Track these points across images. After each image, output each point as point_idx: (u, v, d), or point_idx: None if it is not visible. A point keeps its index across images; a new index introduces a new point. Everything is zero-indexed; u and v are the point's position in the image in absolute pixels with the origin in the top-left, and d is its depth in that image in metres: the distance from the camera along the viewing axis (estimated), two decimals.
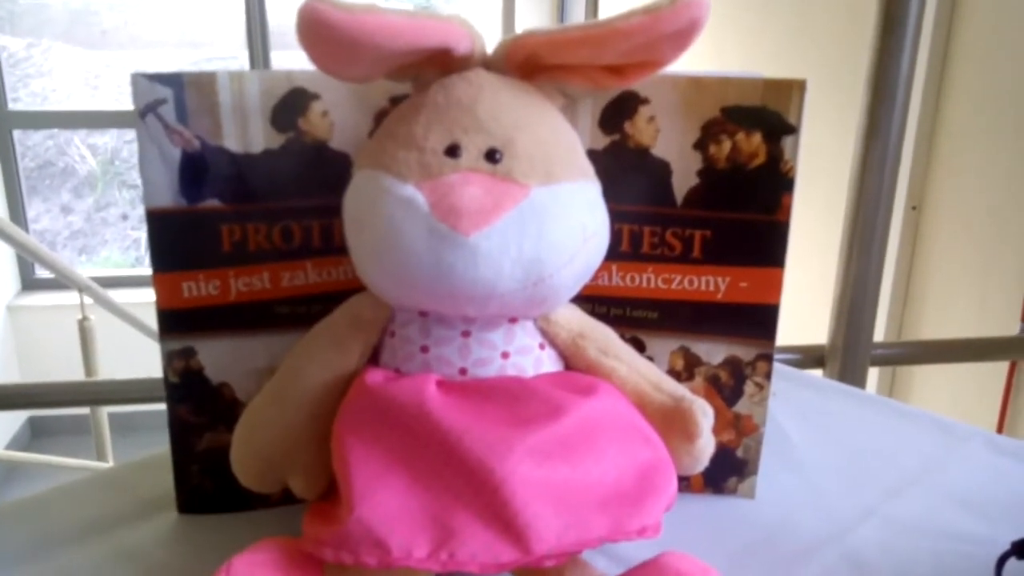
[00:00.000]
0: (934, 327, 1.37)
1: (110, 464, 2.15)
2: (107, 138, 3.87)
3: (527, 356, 0.46)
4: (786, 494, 0.56)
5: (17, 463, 2.46)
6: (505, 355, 0.45)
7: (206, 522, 0.53)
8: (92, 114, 3.43)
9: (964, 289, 1.33)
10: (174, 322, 0.50)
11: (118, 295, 2.08)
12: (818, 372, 1.05)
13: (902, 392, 1.46)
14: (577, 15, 2.97)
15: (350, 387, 0.46)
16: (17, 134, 3.13)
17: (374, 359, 0.47)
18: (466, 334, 0.45)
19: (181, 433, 0.52)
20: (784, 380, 0.53)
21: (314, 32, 0.39)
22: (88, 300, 1.94)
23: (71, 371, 2.08)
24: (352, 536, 0.39)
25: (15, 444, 2.93)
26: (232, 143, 0.49)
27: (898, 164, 0.99)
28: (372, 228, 0.42)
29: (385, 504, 0.40)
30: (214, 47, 4.05)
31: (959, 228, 1.37)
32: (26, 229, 3.17)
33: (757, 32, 1.87)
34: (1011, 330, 1.18)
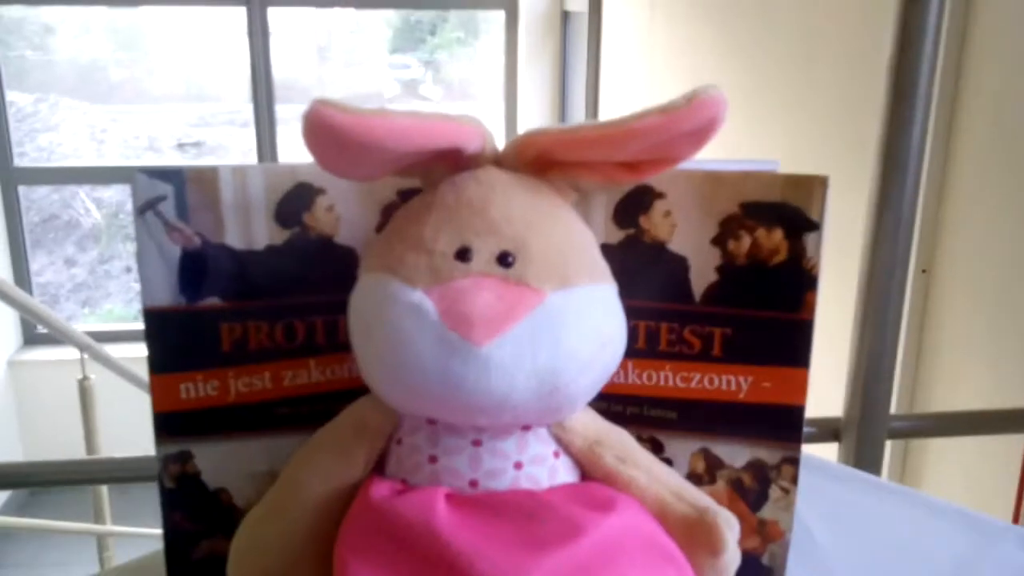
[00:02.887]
0: (946, 395, 1.34)
1: (108, 526, 2.12)
2: (112, 192, 3.89)
3: (541, 466, 0.43)
4: None
5: (15, 529, 2.43)
6: (518, 465, 0.43)
7: None
8: (96, 170, 3.45)
9: (976, 355, 1.30)
10: (171, 425, 0.48)
11: (121, 349, 2.06)
12: (834, 446, 1.02)
13: (915, 463, 1.43)
14: (577, 111, 3.02)
15: (353, 499, 0.43)
16: (22, 188, 3.15)
17: (379, 468, 0.45)
18: (477, 443, 0.42)
19: (177, 541, 0.50)
20: (805, 470, 0.50)
21: (321, 136, 0.38)
22: (89, 356, 1.92)
23: (70, 427, 2.06)
24: None
25: (13, 501, 2.89)
26: (234, 239, 0.47)
27: (911, 233, 0.98)
28: (379, 335, 0.40)
29: None
30: (220, 101, 4.10)
31: (971, 291, 1.35)
32: (29, 282, 3.18)
33: (761, 110, 1.87)
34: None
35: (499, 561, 0.38)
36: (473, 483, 0.42)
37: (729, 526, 0.44)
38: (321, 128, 0.37)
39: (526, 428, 0.43)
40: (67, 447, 1.90)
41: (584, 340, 0.40)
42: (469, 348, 0.38)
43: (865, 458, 1.00)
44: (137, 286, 0.48)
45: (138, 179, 0.46)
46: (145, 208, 0.46)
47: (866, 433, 0.99)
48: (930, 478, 1.35)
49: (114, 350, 2.06)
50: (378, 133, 0.38)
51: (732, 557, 0.44)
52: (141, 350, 0.48)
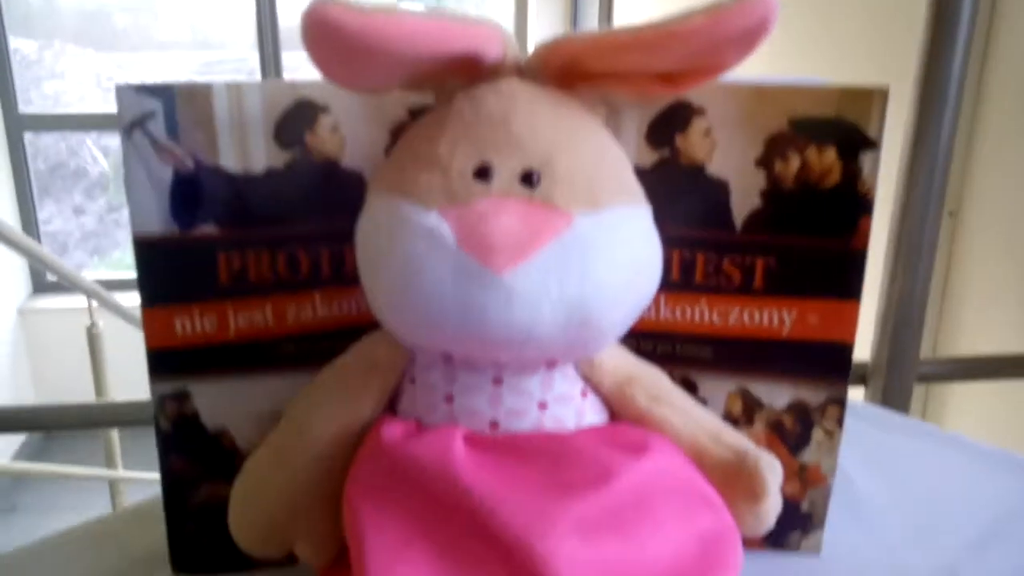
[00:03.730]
0: (971, 340, 1.31)
1: (119, 472, 2.12)
2: (118, 140, 3.84)
3: (567, 406, 0.40)
4: (854, 550, 0.49)
5: (29, 475, 2.44)
6: (542, 405, 0.39)
7: None
8: (103, 116, 3.39)
9: (1003, 299, 1.26)
10: (166, 363, 0.45)
11: (130, 297, 2.04)
12: (859, 390, 0.99)
13: (936, 406, 1.40)
14: (591, 14, 2.90)
15: (363, 442, 0.40)
16: (28, 136, 3.11)
17: (391, 407, 0.41)
18: (497, 381, 0.39)
19: (175, 486, 0.46)
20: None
21: (322, 37, 0.33)
22: (97, 304, 1.90)
23: (81, 374, 2.04)
24: None
25: (28, 446, 2.91)
26: (230, 161, 0.43)
27: (947, 174, 0.93)
28: (390, 263, 0.36)
29: None
30: (226, 49, 4.03)
31: (998, 234, 1.31)
32: (37, 230, 3.15)
33: (801, 33, 1.80)
34: None
35: (523, 508, 0.35)
36: (493, 424, 0.39)
37: (771, 470, 0.40)
38: (323, 28, 0.33)
39: (551, 365, 0.39)
40: (77, 394, 1.89)
41: (616, 268, 0.36)
42: (490, 276, 0.34)
43: (892, 402, 0.97)
44: None
45: (123, 94, 0.41)
46: (132, 127, 0.42)
47: (894, 377, 0.95)
48: (952, 424, 1.32)
49: (123, 298, 2.04)
50: (387, 34, 0.34)
51: (774, 503, 0.41)
52: None
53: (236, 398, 0.46)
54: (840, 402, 0.46)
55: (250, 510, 0.42)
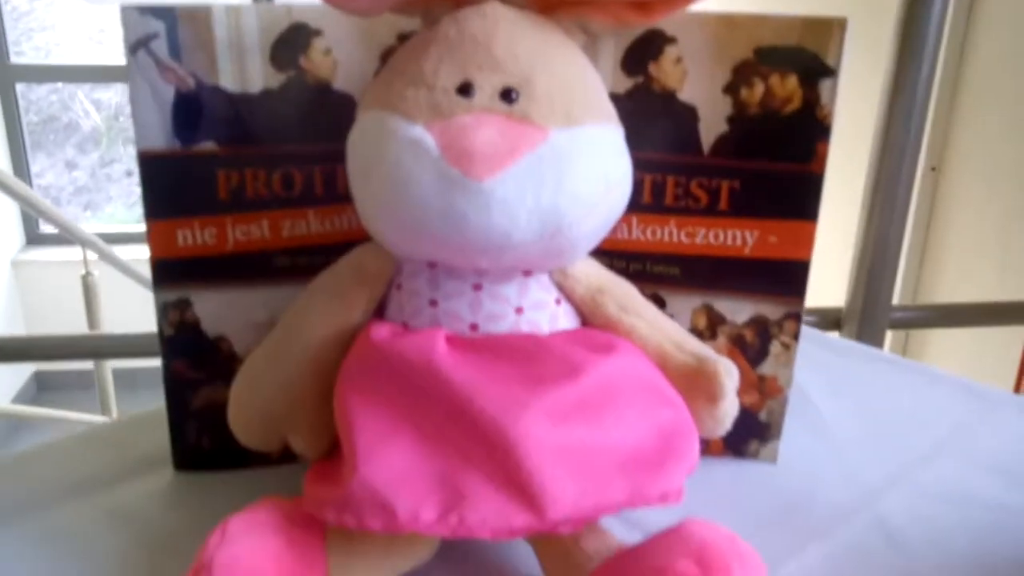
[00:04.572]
0: (951, 291, 1.34)
1: (114, 418, 2.15)
2: (111, 93, 3.81)
3: (542, 312, 0.43)
4: (809, 459, 0.53)
5: (22, 417, 2.47)
6: (519, 310, 0.42)
7: (203, 480, 0.50)
8: (96, 68, 3.38)
9: (983, 253, 1.30)
10: (169, 272, 0.48)
11: (122, 251, 2.05)
12: (834, 335, 1.02)
13: (915, 356, 1.44)
14: None
15: (354, 343, 0.43)
16: (20, 88, 3.09)
17: (379, 314, 0.44)
18: (477, 287, 0.42)
19: (177, 389, 0.50)
20: (804, 341, 0.50)
21: None
22: (92, 255, 1.92)
23: (75, 326, 2.07)
24: (356, 498, 0.37)
25: (20, 399, 2.94)
26: (228, 82, 0.46)
27: (924, 121, 0.96)
28: (377, 173, 0.39)
29: (391, 465, 0.37)
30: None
31: (979, 190, 1.34)
32: (30, 183, 3.15)
33: None
34: None
35: (498, 396, 0.38)
36: (473, 327, 0.42)
37: (728, 373, 0.44)
38: None
39: (528, 273, 0.42)
40: None
41: (589, 181, 0.39)
42: (470, 184, 0.37)
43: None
44: (139, 190, 0.47)
45: (128, 15, 0.44)
46: (137, 46, 0.45)
47: (867, 322, 0.99)
48: None
49: (116, 252, 2.05)
50: None
51: (730, 405, 0.44)
52: (144, 252, 0.47)
53: (234, 306, 0.49)
54: (797, 317, 0.49)
55: (247, 404, 0.45)
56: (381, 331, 0.42)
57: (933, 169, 1.42)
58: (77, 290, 1.96)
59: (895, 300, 1.04)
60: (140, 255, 0.45)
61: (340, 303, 0.44)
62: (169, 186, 0.47)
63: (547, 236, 0.39)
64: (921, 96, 0.92)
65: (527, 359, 0.40)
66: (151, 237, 0.47)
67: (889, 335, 1.12)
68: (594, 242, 0.42)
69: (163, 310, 0.48)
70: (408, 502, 0.36)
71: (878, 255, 1.00)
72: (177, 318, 0.48)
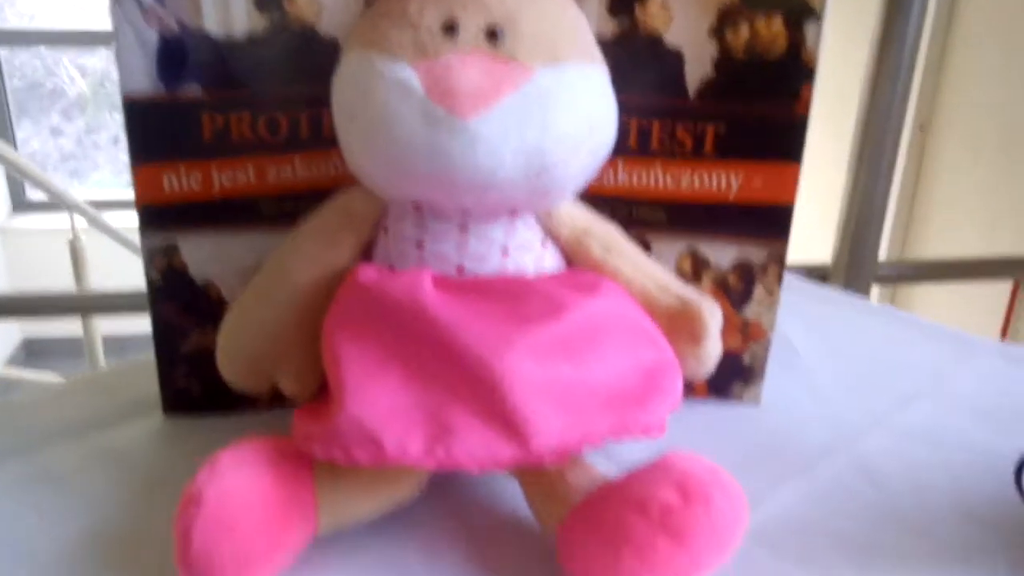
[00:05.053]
0: (939, 246, 1.35)
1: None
2: (96, 59, 3.76)
3: (528, 253, 0.43)
4: (792, 402, 0.54)
5: (11, 382, 2.47)
6: (505, 251, 0.43)
7: (192, 424, 0.51)
8: (80, 33, 3.33)
9: (969, 211, 1.30)
10: (155, 218, 0.48)
11: (110, 218, 2.04)
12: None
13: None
14: None
15: (341, 284, 0.43)
16: (4, 53, 3.05)
17: (366, 257, 0.45)
18: (463, 228, 0.42)
19: (165, 334, 0.50)
20: (789, 291, 0.50)
21: None
22: (80, 224, 1.90)
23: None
24: (343, 432, 0.37)
25: (14, 359, 2.94)
26: (212, 25, 0.45)
27: (912, 76, 0.96)
28: (363, 113, 0.39)
29: (378, 400, 0.38)
30: None
31: (967, 148, 1.34)
32: (16, 149, 3.12)
33: None
34: (1016, 251, 1.16)
35: (483, 334, 0.39)
36: (459, 268, 0.42)
37: (712, 314, 0.44)
38: None
39: (513, 214, 0.43)
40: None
41: (573, 120, 0.39)
42: (455, 121, 0.37)
43: None
44: (126, 157, 0.46)
45: None
46: None
47: (853, 277, 1.00)
48: None
49: (105, 219, 2.03)
50: None
51: (714, 346, 0.45)
52: (131, 219, 0.47)
53: (221, 252, 0.49)
54: (780, 261, 0.50)
55: (236, 344, 0.45)
56: (368, 272, 0.42)
57: (921, 128, 1.42)
58: (65, 257, 1.94)
59: (882, 256, 1.04)
60: (128, 222, 0.46)
61: (327, 246, 0.44)
62: (154, 130, 0.46)
63: (532, 175, 0.39)
64: (909, 52, 0.92)
65: (512, 298, 0.41)
66: (137, 182, 0.47)
67: (876, 292, 1.13)
68: (580, 183, 0.42)
69: (150, 256, 0.48)
70: (395, 435, 0.37)
71: (865, 210, 1.00)
72: (164, 264, 0.49)
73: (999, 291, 1.17)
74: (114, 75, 0.43)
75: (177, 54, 0.46)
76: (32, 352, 3.05)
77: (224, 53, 0.46)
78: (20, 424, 0.51)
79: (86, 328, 1.62)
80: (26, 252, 2.99)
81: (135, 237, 0.48)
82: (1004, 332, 1.15)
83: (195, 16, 0.45)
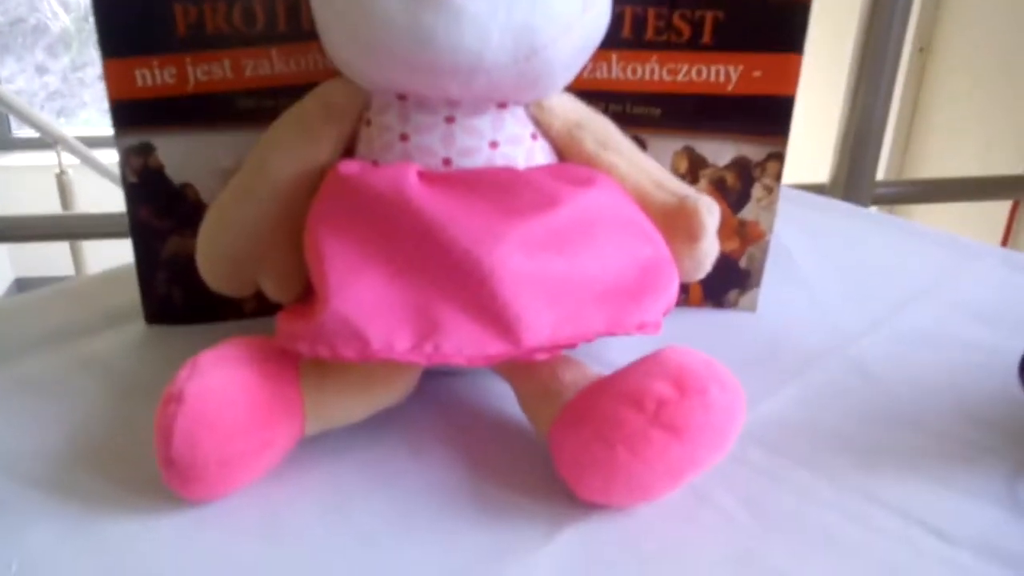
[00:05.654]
0: (936, 169, 1.33)
1: None
2: None
3: (518, 146, 0.41)
4: (789, 308, 0.53)
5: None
6: (493, 144, 0.41)
7: (174, 332, 0.50)
8: None
9: (969, 131, 1.28)
10: (129, 114, 0.46)
11: (98, 155, 2.00)
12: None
13: None
14: None
15: (323, 180, 0.42)
16: None
17: (349, 152, 0.43)
18: (450, 120, 0.40)
19: (144, 238, 0.48)
20: (786, 200, 0.49)
21: None
22: (68, 161, 1.87)
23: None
24: (328, 328, 0.36)
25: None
26: None
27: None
28: None
29: (363, 296, 0.37)
30: None
31: (966, 71, 1.32)
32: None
33: None
34: (1014, 171, 1.14)
35: (472, 227, 0.37)
36: (446, 161, 0.40)
37: (709, 211, 0.43)
38: None
39: (502, 106, 0.41)
40: (51, 253, 1.91)
41: None
42: None
43: None
44: None
45: None
46: None
47: (851, 196, 0.98)
48: None
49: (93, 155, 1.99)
50: None
51: (710, 245, 0.44)
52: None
53: (199, 151, 0.47)
54: (779, 157, 0.48)
55: (216, 244, 0.44)
56: (350, 167, 0.40)
57: (921, 50, 1.39)
58: (53, 195, 1.91)
59: (879, 176, 1.03)
60: (115, 158, 0.44)
61: (307, 140, 0.42)
62: (125, 23, 0.44)
63: (521, 58, 0.37)
64: None
65: (502, 191, 0.39)
66: (108, 77, 0.45)
67: (873, 211, 1.12)
68: (571, 69, 0.40)
69: (125, 156, 0.46)
70: (382, 330, 0.36)
71: (863, 129, 0.98)
72: (141, 164, 0.47)
73: (997, 211, 1.16)
74: None
75: None
76: (24, 291, 3.03)
77: None
78: (2, 331, 0.50)
79: (76, 257, 1.60)
80: (14, 190, 2.95)
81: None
82: (1004, 244, 1.14)
83: None
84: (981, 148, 1.25)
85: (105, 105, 0.45)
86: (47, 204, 1.96)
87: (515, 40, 0.36)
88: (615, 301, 0.38)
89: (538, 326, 0.36)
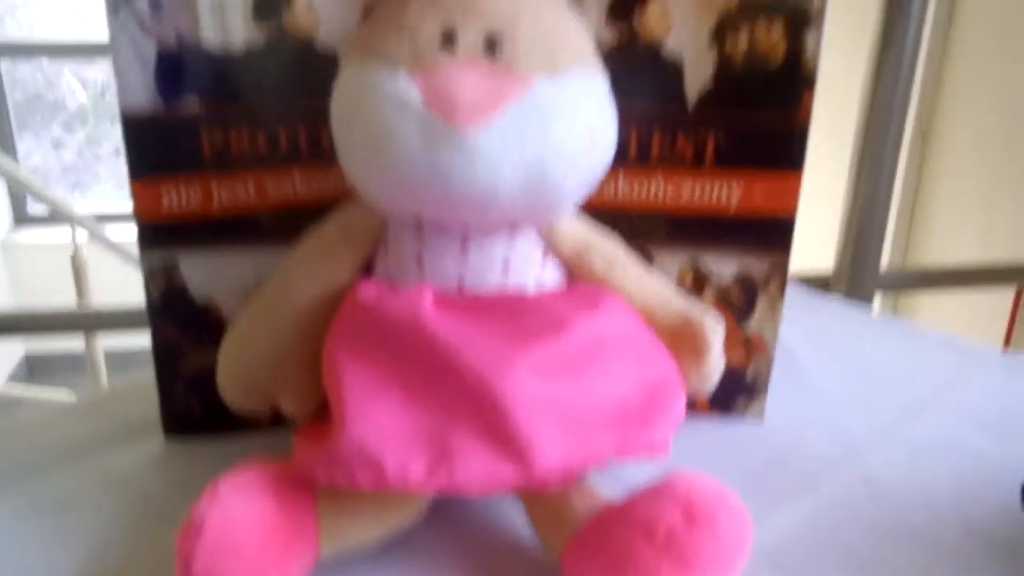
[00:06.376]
0: (938, 255, 1.35)
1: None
2: (97, 71, 3.77)
3: (529, 267, 0.43)
4: (796, 416, 0.54)
5: (14, 399, 2.46)
6: (506, 265, 0.42)
7: (193, 445, 0.50)
8: (81, 45, 3.34)
9: (970, 217, 1.30)
10: (154, 235, 0.47)
11: (112, 230, 2.03)
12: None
13: (904, 320, 1.44)
14: None
15: (341, 302, 0.43)
16: (5, 65, 3.06)
17: (367, 272, 0.44)
18: (464, 242, 0.42)
19: (165, 354, 0.50)
20: (792, 303, 0.50)
21: None
22: (81, 239, 1.90)
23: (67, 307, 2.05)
24: (345, 456, 0.37)
25: (16, 375, 2.93)
26: (211, 38, 0.45)
27: (912, 83, 0.96)
28: (361, 123, 0.39)
29: (379, 423, 0.37)
30: None
31: (968, 155, 1.34)
32: (17, 163, 3.12)
33: None
34: (1018, 257, 1.15)
35: (484, 353, 0.38)
36: (460, 283, 0.42)
37: (714, 328, 0.44)
38: None
39: (514, 228, 0.42)
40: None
41: (573, 133, 0.39)
42: (454, 134, 0.37)
43: None
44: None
45: None
46: (119, 3, 0.44)
47: (856, 286, 0.99)
48: None
49: (107, 232, 2.02)
50: None
51: (717, 360, 0.45)
52: (133, 231, 0.47)
53: (221, 270, 0.48)
54: (782, 274, 0.49)
55: (236, 364, 0.45)
56: (368, 290, 0.42)
57: (923, 135, 1.42)
58: (67, 272, 1.94)
59: (883, 263, 1.04)
60: (131, 235, 0.45)
61: (327, 262, 0.44)
62: (153, 145, 0.46)
63: (532, 190, 0.38)
64: (909, 59, 0.92)
65: (513, 316, 0.40)
66: (136, 198, 0.47)
67: (878, 299, 1.13)
68: (580, 195, 0.42)
69: (149, 274, 0.48)
70: (397, 458, 0.36)
71: (866, 218, 1.00)
72: (164, 283, 0.48)
73: (1002, 296, 1.16)
74: (114, 87, 0.43)
75: (175, 68, 0.45)
76: (34, 368, 3.05)
77: (223, 66, 0.46)
78: (21, 448, 0.50)
79: (88, 344, 1.61)
80: (28, 266, 2.99)
81: (137, 250, 0.48)
82: (1008, 337, 1.14)
83: (193, 29, 0.45)
84: (985, 232, 1.26)
85: (119, 179, 0.47)
86: (62, 282, 1.98)
87: (527, 175, 0.38)
88: (624, 424, 0.39)
89: (550, 452, 0.37)
